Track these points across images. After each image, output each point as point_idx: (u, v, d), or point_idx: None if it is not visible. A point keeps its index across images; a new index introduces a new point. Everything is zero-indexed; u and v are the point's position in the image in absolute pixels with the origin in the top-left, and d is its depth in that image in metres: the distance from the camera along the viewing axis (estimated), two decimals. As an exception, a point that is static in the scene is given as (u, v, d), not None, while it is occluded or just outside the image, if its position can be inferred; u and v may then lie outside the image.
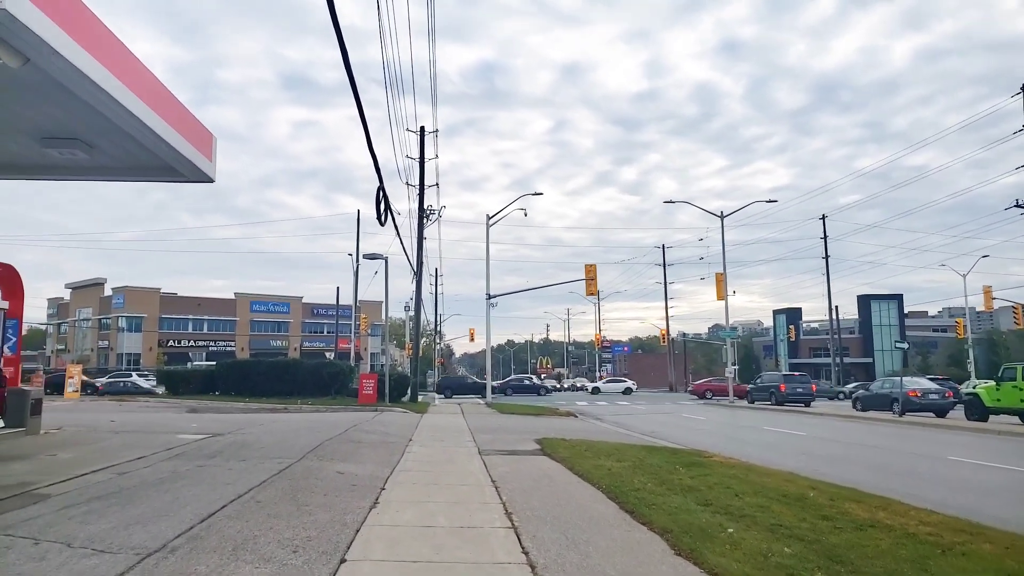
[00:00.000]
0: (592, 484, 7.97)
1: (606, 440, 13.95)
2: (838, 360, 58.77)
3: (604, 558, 4.73)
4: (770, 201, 37.89)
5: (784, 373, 42.78)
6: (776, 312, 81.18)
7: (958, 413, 24.01)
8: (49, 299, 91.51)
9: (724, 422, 23.30)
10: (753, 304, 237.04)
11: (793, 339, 71.33)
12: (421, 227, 30.38)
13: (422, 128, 29.92)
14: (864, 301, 72.84)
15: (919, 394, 25.07)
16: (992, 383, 22.07)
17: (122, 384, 37.35)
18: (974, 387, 25.09)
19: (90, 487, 6.90)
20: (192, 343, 78.22)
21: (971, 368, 46.59)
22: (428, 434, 14.59)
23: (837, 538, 5.41)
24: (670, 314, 64.11)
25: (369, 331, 68.65)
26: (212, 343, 78.89)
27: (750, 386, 37.34)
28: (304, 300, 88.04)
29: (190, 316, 79.55)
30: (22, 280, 12.99)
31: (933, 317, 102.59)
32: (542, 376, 73.79)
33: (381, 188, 11.46)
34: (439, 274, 61.40)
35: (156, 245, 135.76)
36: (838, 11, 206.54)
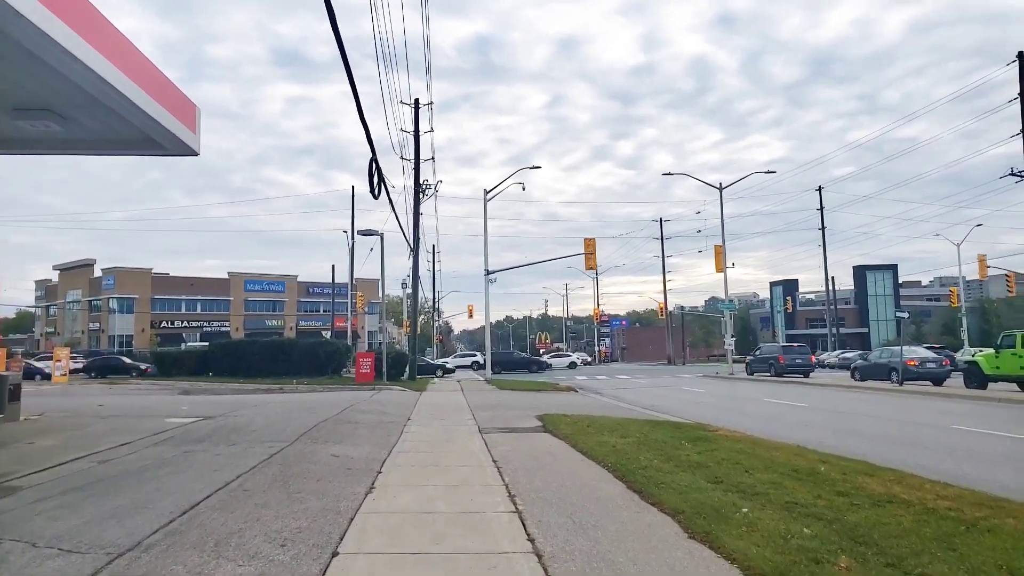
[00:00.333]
0: (597, 462, 7.74)
1: (608, 415, 13.77)
2: (834, 331, 58.87)
3: (614, 544, 4.46)
4: (769, 172, 37.17)
5: (783, 344, 42.64)
6: (773, 284, 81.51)
7: (954, 381, 24.04)
8: (37, 281, 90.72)
9: (724, 394, 23.19)
10: (748, 276, 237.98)
11: (790, 310, 71.40)
12: (417, 201, 29.85)
13: (416, 100, 29.25)
14: (860, 272, 72.94)
15: (917, 363, 25.25)
16: (991, 351, 21.98)
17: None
18: (972, 355, 24.99)
19: (66, 477, 6.57)
20: (185, 324, 77.49)
21: (964, 336, 46.73)
22: (427, 412, 14.35)
23: (856, 516, 5.18)
24: (667, 287, 63.91)
25: (366, 309, 68.28)
26: (206, 323, 78.27)
27: (749, 358, 37.27)
28: (299, 279, 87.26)
29: (183, 296, 78.64)
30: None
31: (925, 287, 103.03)
32: (540, 351, 73.50)
33: (374, 159, 11.01)
34: (436, 251, 61.04)
35: (149, 224, 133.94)
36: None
